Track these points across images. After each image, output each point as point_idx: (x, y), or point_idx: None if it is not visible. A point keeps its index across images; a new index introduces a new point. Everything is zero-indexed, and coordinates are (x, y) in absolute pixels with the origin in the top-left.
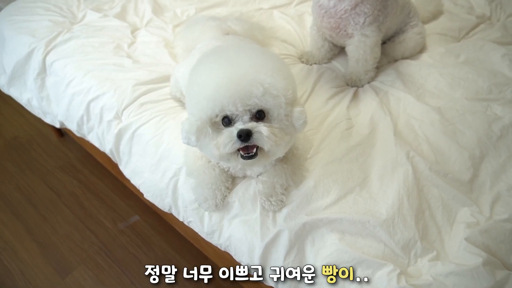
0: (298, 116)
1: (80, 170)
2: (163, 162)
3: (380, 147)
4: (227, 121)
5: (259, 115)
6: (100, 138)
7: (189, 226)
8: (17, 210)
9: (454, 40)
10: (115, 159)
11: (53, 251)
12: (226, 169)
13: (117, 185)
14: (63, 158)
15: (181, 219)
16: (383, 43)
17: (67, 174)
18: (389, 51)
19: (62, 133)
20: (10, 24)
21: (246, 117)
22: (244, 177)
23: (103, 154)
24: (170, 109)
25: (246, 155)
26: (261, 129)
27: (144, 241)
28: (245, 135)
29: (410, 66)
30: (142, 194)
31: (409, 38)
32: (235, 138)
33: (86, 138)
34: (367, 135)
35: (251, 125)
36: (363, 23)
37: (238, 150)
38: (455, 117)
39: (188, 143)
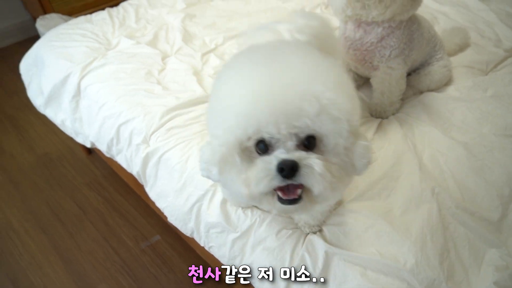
0: (362, 152)
1: (105, 188)
2: (188, 188)
3: (404, 181)
4: (263, 147)
5: (309, 143)
6: (128, 160)
7: (210, 251)
8: (45, 225)
9: (481, 73)
10: (141, 181)
11: (76, 267)
12: None
13: (141, 204)
14: (90, 175)
15: (202, 244)
16: (408, 74)
17: (93, 191)
18: (415, 83)
19: (90, 150)
20: (50, 49)
21: (291, 143)
22: None
23: (129, 174)
24: (195, 134)
25: (287, 199)
26: (313, 163)
27: (165, 261)
28: (289, 169)
29: (436, 99)
30: (164, 215)
31: (435, 71)
32: (274, 172)
33: (114, 159)
34: (390, 169)
35: (298, 155)
36: (389, 55)
37: (275, 190)
38: (483, 153)
39: (208, 176)
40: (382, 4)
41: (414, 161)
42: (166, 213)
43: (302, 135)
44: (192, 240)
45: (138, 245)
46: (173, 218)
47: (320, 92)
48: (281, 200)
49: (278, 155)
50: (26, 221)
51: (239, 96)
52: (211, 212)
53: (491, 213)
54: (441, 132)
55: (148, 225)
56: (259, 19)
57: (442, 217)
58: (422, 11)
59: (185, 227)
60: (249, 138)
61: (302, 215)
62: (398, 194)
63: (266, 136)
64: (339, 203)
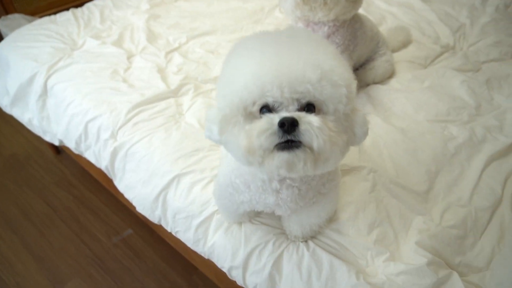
0: (362, 121)
1: (75, 186)
2: (154, 178)
3: (344, 162)
4: (266, 112)
5: (309, 110)
6: (97, 156)
7: (176, 236)
8: (14, 225)
9: (421, 67)
10: (110, 175)
11: (48, 264)
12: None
13: (111, 200)
14: (59, 174)
15: (169, 230)
16: (356, 69)
17: (63, 189)
18: (361, 77)
19: (58, 150)
20: (14, 50)
21: (293, 107)
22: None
23: (98, 170)
24: (159, 127)
25: (286, 141)
26: (312, 119)
27: (137, 253)
28: (289, 124)
29: (380, 91)
30: (135, 208)
31: (378, 66)
32: (276, 126)
33: (83, 155)
34: None
35: (298, 113)
36: None
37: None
38: (416, 137)
39: (209, 136)
40: (327, 7)
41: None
42: (134, 203)
43: (304, 101)
44: (162, 230)
45: (110, 240)
46: (141, 208)
47: (322, 60)
48: (280, 148)
49: (281, 114)
50: None
51: (247, 63)
52: (177, 199)
53: (420, 186)
54: (382, 119)
55: (120, 220)
56: (221, 20)
57: (377, 192)
58: (372, 11)
59: (153, 215)
60: (254, 103)
61: (296, 173)
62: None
63: (269, 100)
64: (331, 219)
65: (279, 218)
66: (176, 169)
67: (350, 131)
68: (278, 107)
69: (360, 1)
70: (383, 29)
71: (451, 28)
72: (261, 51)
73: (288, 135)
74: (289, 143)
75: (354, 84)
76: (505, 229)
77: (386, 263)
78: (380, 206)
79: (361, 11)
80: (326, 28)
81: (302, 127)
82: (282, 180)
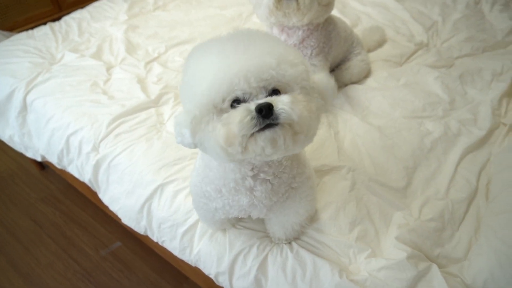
0: (326, 80)
1: (62, 201)
2: (137, 189)
3: (325, 163)
4: (237, 105)
5: (276, 95)
6: (80, 169)
7: (163, 245)
8: (0, 243)
9: (396, 65)
10: (94, 188)
11: (36, 281)
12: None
13: (98, 213)
14: (44, 190)
15: (155, 240)
16: (332, 70)
17: (49, 205)
18: (338, 78)
19: (43, 166)
20: None
21: (261, 95)
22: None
23: (84, 184)
24: (141, 137)
25: (266, 124)
26: (283, 98)
27: (126, 265)
28: (267, 109)
29: (357, 90)
30: (121, 220)
31: (354, 65)
32: (254, 112)
33: (66, 170)
34: (312, 153)
35: (269, 98)
36: (311, 54)
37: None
38: (393, 134)
39: (181, 142)
40: (300, 12)
41: (334, 146)
42: (119, 215)
43: (269, 87)
44: (150, 240)
45: (98, 253)
46: (126, 219)
47: (275, 46)
48: (262, 128)
49: (255, 101)
50: None
51: (209, 64)
52: (161, 209)
53: (398, 182)
54: (360, 118)
55: (108, 233)
56: (200, 27)
57: (356, 190)
58: (348, 12)
59: (138, 226)
60: (223, 99)
61: (280, 152)
62: (316, 177)
63: (239, 93)
64: (311, 219)
65: (262, 221)
66: (159, 179)
67: (319, 98)
68: (248, 98)
69: (332, 4)
70: (358, 29)
71: (424, 26)
72: (220, 50)
73: (267, 119)
74: (269, 125)
75: (305, 60)
76: (480, 219)
77: (368, 259)
78: (360, 204)
79: (336, 13)
80: (300, 32)
81: (278, 107)
82: (255, 176)
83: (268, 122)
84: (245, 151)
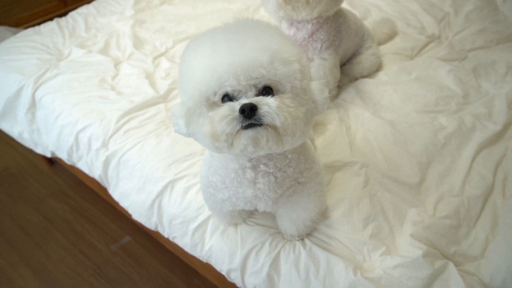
0: (320, 88)
1: (71, 196)
2: (148, 185)
3: (337, 159)
4: (228, 100)
5: (267, 93)
6: (89, 166)
7: (174, 241)
8: (11, 239)
9: (407, 58)
10: (104, 184)
11: (47, 276)
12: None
13: (108, 208)
14: (54, 186)
15: (166, 236)
16: (343, 64)
17: (59, 201)
18: (349, 72)
19: (52, 161)
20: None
21: (251, 93)
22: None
23: (93, 179)
24: (150, 133)
25: (248, 124)
26: (269, 101)
27: (137, 260)
28: (249, 109)
29: (368, 84)
30: (131, 215)
31: (365, 59)
32: (237, 112)
33: (76, 166)
34: (324, 148)
35: (256, 98)
36: (321, 48)
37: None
38: (405, 129)
39: (177, 130)
40: (309, 6)
41: (346, 142)
42: (130, 211)
43: (260, 85)
44: (161, 236)
45: (109, 248)
46: (137, 215)
47: (270, 42)
48: (245, 127)
49: (241, 101)
50: None
51: (201, 57)
52: (172, 205)
53: (412, 178)
54: (372, 113)
55: (118, 228)
56: (207, 22)
57: (370, 186)
58: (357, 4)
59: (149, 222)
60: (214, 93)
61: (265, 149)
62: (328, 173)
63: (228, 89)
64: (323, 215)
65: (274, 217)
66: (169, 175)
67: (311, 102)
68: (237, 95)
69: None
70: (368, 22)
71: (435, 17)
72: (213, 44)
73: (250, 119)
74: (252, 125)
75: (304, 57)
76: (497, 216)
77: (383, 257)
78: (374, 200)
79: (345, 5)
80: (310, 26)
81: (262, 110)
82: (255, 167)
83: (250, 121)
84: (231, 147)
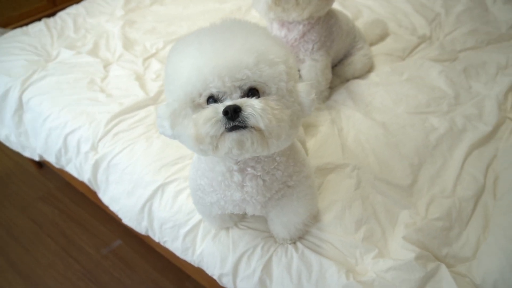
0: (306, 90)
1: (60, 200)
2: (138, 188)
3: (329, 161)
4: (213, 102)
5: (252, 95)
6: (78, 169)
7: (164, 246)
8: None
9: (399, 59)
10: (93, 187)
11: (36, 282)
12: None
13: (98, 212)
14: (43, 189)
15: (157, 240)
16: (335, 65)
17: (48, 204)
18: (341, 73)
19: (41, 164)
20: None
21: (236, 95)
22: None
23: (83, 183)
24: (140, 136)
25: (232, 126)
26: (254, 102)
27: (127, 264)
28: (232, 111)
29: (359, 85)
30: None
31: (357, 60)
32: (220, 114)
33: (65, 169)
34: (316, 151)
35: (241, 100)
36: (312, 49)
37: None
38: (397, 130)
39: (162, 132)
40: (299, 7)
41: (338, 144)
42: (120, 215)
43: (245, 87)
44: (151, 239)
45: (99, 252)
46: (127, 219)
47: (256, 43)
48: (229, 129)
49: (225, 103)
50: None
51: (187, 58)
52: (163, 209)
53: (404, 180)
54: (363, 114)
55: (108, 231)
56: (198, 22)
57: (362, 189)
58: (349, 5)
59: (139, 226)
60: (200, 95)
61: (250, 152)
62: (320, 175)
63: (213, 91)
64: (315, 218)
65: (265, 221)
66: (159, 179)
67: (297, 104)
68: (222, 96)
69: None
70: (359, 23)
71: (426, 18)
72: (198, 45)
73: (233, 121)
74: (236, 127)
75: (291, 58)
76: (488, 217)
77: (375, 260)
78: (366, 202)
79: (337, 5)
80: (301, 27)
81: (245, 112)
82: (242, 170)
83: (234, 124)
84: (216, 150)
